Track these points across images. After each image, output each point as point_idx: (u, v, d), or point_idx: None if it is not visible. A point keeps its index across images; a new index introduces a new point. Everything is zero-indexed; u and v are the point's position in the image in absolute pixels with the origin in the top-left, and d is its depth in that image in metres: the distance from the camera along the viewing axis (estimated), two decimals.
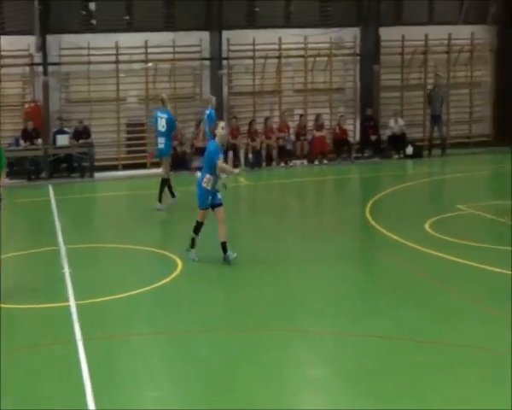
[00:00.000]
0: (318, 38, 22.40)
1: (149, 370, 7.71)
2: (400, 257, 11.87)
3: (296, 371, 7.75)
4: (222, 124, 11.60)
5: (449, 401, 7.00)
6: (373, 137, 22.51)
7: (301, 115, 22.35)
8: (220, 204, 11.37)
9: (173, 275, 10.97)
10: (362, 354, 8.14)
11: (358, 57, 23.26)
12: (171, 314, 9.50)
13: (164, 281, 10.66)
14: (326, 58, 22.89)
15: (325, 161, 21.62)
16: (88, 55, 20.75)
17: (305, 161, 21.80)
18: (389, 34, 22.98)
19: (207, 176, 11.28)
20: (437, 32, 23.59)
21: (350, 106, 23.37)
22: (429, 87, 23.40)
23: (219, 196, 11.42)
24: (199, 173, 11.78)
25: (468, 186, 18.46)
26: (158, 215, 15.34)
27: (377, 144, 22.60)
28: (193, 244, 11.68)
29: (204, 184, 11.26)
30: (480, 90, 24.61)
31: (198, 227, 11.60)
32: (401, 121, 22.93)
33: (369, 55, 22.99)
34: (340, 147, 22.07)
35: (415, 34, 23.26)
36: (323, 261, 11.71)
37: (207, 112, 16.93)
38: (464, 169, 20.33)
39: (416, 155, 22.22)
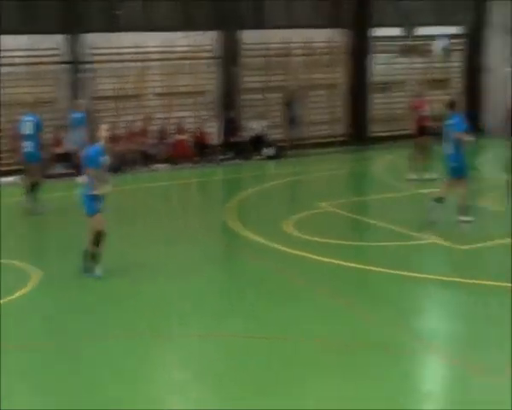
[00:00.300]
0: (181, 41, 22.45)
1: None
2: (263, 257, 12.12)
3: (161, 375, 7.80)
4: (105, 127, 11.38)
5: (317, 396, 7.23)
6: (235, 139, 22.82)
7: (164, 119, 22.35)
8: (98, 211, 11.06)
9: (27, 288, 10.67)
10: (227, 354, 8.28)
11: (220, 60, 23.50)
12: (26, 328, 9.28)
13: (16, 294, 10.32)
14: (188, 61, 22.98)
15: (189, 164, 21.71)
16: None
17: (168, 165, 21.82)
18: (250, 37, 23.37)
19: (91, 179, 10.97)
20: (296, 36, 24.20)
21: (212, 108, 23.57)
22: (289, 89, 23.93)
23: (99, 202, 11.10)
24: (83, 179, 11.40)
25: (326, 185, 19.08)
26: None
27: (239, 146, 22.93)
28: (96, 259, 11.17)
29: (93, 190, 10.91)
30: (337, 91, 25.42)
31: (99, 238, 11.10)
32: (263, 123, 23.37)
33: (231, 57, 23.27)
34: (201, 150, 22.25)
35: (274, 37, 23.77)
36: (189, 265, 11.77)
37: (77, 116, 16.64)
38: (323, 168, 20.99)
39: (277, 155, 22.70)
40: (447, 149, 13.66)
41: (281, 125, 24.15)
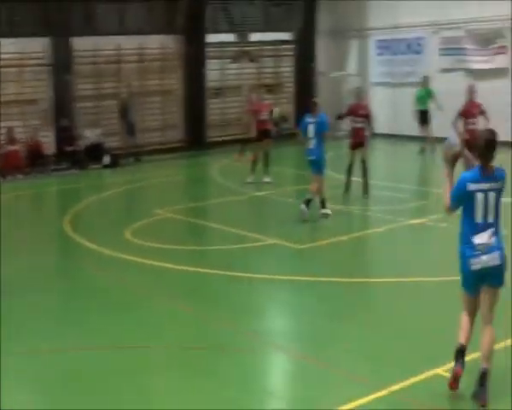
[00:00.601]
0: (7, 47, 21.57)
1: None
2: (104, 267, 11.86)
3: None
4: None
5: (162, 402, 7.18)
6: (69, 148, 22.23)
7: None
8: None
9: None
10: (67, 368, 8.00)
11: (51, 67, 22.80)
12: None
13: None
14: (16, 69, 22.14)
15: (20, 176, 20.87)
16: None
17: None
18: (82, 44, 22.85)
19: None
20: (129, 42, 23.94)
21: (45, 117, 22.81)
22: (123, 96, 23.61)
23: None
24: None
25: (164, 191, 18.98)
26: None
27: (74, 155, 22.35)
28: None
29: None
30: (172, 97, 25.38)
31: None
32: (97, 131, 22.92)
33: (62, 65, 22.65)
34: (34, 160, 21.48)
35: (107, 44, 23.39)
36: (26, 279, 11.30)
37: None
38: (161, 175, 20.88)
39: (114, 164, 22.33)
40: (309, 144, 14.41)
41: (117, 132, 23.80)
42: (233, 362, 8.02)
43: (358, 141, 16.35)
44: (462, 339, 7.14)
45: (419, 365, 7.65)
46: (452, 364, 7.10)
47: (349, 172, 16.41)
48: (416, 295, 10.17)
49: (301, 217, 14.30)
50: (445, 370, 7.45)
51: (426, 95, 23.25)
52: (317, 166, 14.56)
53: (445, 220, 13.85)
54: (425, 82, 23.62)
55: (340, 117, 19.81)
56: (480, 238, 6.94)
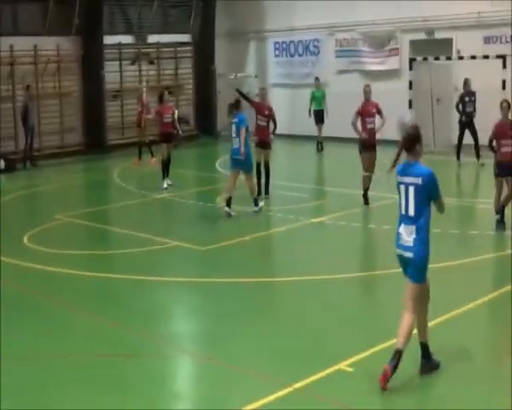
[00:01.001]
0: None
1: None
2: (2, 275, 11.53)
3: None
4: None
5: None
6: None
7: None
8: None
9: None
10: None
11: None
12: None
13: None
14: None
15: None
16: None
17: None
18: None
19: None
20: (23, 43, 23.36)
21: None
22: (20, 99, 22.99)
23: None
24: None
25: (63, 196, 18.61)
26: None
27: None
28: None
29: None
30: (69, 100, 24.92)
31: None
32: None
33: None
34: None
35: (3, 44, 22.74)
36: None
37: None
38: (58, 180, 20.50)
39: (9, 168, 21.74)
40: (233, 143, 14.71)
41: (13, 136, 23.16)
42: (139, 368, 7.94)
43: (263, 139, 16.40)
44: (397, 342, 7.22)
45: (322, 361, 7.79)
46: (353, 359, 7.28)
47: (258, 172, 16.36)
48: (318, 292, 10.35)
49: (228, 216, 14.59)
50: (347, 365, 7.62)
51: (320, 96, 23.93)
52: (243, 164, 14.71)
53: (344, 219, 14.23)
54: (319, 83, 24.45)
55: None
56: (402, 229, 7.18)
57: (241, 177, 15.00)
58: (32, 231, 14.05)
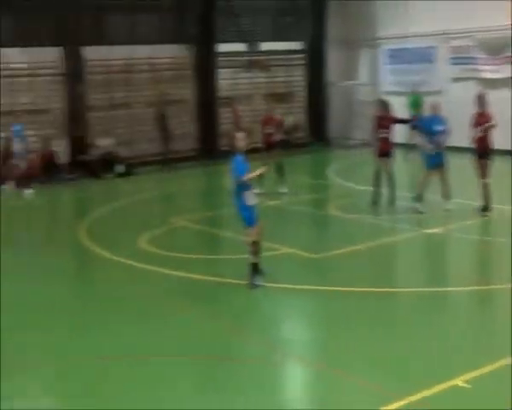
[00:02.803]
0: (18, 57, 21.75)
1: None
2: (119, 275, 11.93)
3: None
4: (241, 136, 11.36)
5: None
6: (83, 158, 22.37)
7: (5, 138, 21.53)
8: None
9: None
10: (77, 375, 8.08)
11: (63, 77, 22.96)
12: None
13: None
14: (27, 78, 22.29)
15: (35, 184, 20.94)
16: None
17: (14, 185, 21.04)
18: (94, 53, 22.99)
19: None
20: (140, 52, 24.08)
21: (57, 127, 22.93)
22: (137, 106, 23.71)
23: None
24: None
25: (179, 200, 19.04)
26: None
27: (88, 164, 22.48)
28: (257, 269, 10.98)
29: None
30: (184, 106, 25.48)
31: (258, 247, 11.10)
32: (110, 140, 23.03)
33: (75, 74, 22.80)
34: (48, 169, 21.59)
35: (119, 53, 23.52)
36: (40, 285, 11.39)
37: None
38: (175, 184, 20.97)
39: (128, 173, 22.43)
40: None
41: (130, 142, 23.84)
42: (250, 373, 8.05)
43: (385, 148, 16.34)
44: None
45: (438, 375, 7.66)
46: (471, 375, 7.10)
47: (377, 181, 16.35)
48: (432, 304, 10.19)
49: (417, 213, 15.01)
50: (464, 381, 7.47)
51: (417, 102, 24.02)
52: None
53: (459, 230, 13.94)
54: (415, 90, 24.71)
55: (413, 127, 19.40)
56: None
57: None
58: (147, 233, 14.44)
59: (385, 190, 16.30)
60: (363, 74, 28.48)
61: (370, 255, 12.94)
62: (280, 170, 18.47)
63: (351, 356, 8.41)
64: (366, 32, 27.95)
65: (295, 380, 8.20)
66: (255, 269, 10.97)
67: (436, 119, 15.71)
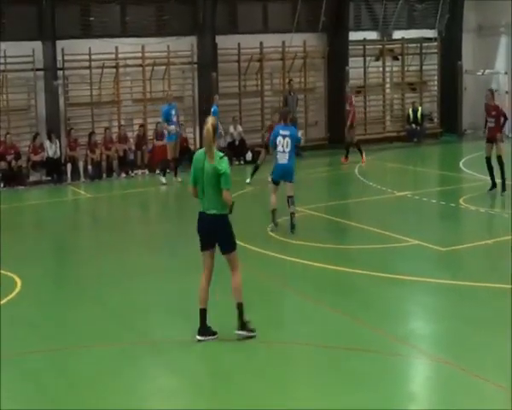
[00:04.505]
0: (155, 46, 22.36)
1: None
2: (246, 262, 12.01)
3: (148, 382, 7.69)
4: None
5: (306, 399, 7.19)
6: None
7: (141, 125, 22.24)
8: None
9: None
10: (212, 361, 8.20)
11: (196, 66, 23.41)
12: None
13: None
14: (164, 67, 22.89)
15: (168, 171, 21.52)
16: None
17: (147, 171, 21.71)
18: (226, 42, 23.31)
19: None
20: (271, 40, 24.20)
21: (190, 114, 23.44)
22: (284, 93, 23.82)
23: None
24: None
25: (303, 189, 18.95)
26: None
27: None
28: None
29: None
30: (314, 95, 25.43)
31: None
32: (240, 128, 23.30)
33: (207, 63, 23.19)
34: (182, 155, 22.05)
35: (250, 42, 23.74)
36: (170, 274, 11.67)
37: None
38: (298, 173, 20.89)
39: (256, 160, 22.55)
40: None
41: (258, 129, 24.02)
42: (372, 364, 7.94)
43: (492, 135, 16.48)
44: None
45: None
46: None
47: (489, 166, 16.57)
48: None
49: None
50: None
51: None
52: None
53: None
54: None
55: None
56: None
57: None
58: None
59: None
60: (500, 63, 27.42)
61: (499, 250, 12.41)
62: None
63: (476, 354, 8.13)
64: (504, 18, 26.87)
65: (419, 374, 8.00)
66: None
67: None
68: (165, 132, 20.29)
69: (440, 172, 21.64)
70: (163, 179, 19.66)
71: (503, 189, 16.28)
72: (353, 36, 25.61)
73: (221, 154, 8.56)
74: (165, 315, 9.70)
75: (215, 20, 23.19)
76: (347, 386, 7.45)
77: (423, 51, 27.38)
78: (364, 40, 26.05)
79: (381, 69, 26.69)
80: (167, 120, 19.80)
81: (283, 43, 24.39)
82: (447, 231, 13.96)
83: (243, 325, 8.52)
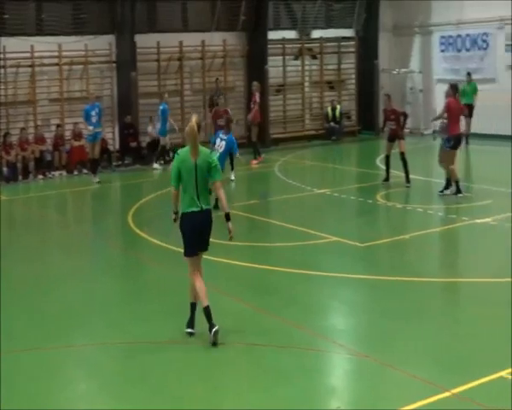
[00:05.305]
0: (73, 45, 22.01)
1: None
2: (165, 262, 12.00)
3: (67, 388, 7.58)
4: None
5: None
6: (133, 144, 22.57)
7: (58, 125, 21.86)
8: None
9: None
10: (124, 362, 8.15)
11: (115, 65, 23.16)
12: None
13: None
14: (81, 66, 22.57)
15: (85, 171, 21.27)
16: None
17: (64, 172, 21.37)
18: (145, 41, 23.12)
19: None
20: (191, 39, 24.15)
21: (108, 114, 23.15)
22: (211, 92, 23.79)
23: None
24: None
25: (225, 188, 18.97)
26: None
27: (137, 151, 22.68)
28: None
29: None
30: (233, 94, 25.49)
31: None
32: (158, 126, 23.12)
33: (126, 62, 22.96)
34: (101, 156, 21.77)
35: (170, 41, 23.62)
36: (89, 275, 11.55)
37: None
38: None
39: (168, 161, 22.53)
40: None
41: (181, 128, 23.89)
42: (293, 359, 8.02)
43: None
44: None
45: (483, 367, 7.54)
46: None
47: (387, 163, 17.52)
48: (480, 295, 10.00)
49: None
50: (508, 373, 7.32)
51: (471, 90, 23.81)
52: None
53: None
54: (470, 78, 24.25)
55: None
56: None
57: None
58: None
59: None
60: (415, 62, 28.08)
61: (416, 245, 12.79)
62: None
63: (394, 347, 8.32)
64: (419, 19, 27.56)
65: (339, 369, 8.12)
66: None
67: None
68: (85, 133, 20.08)
69: (358, 169, 22.02)
70: (95, 179, 19.49)
71: (408, 181, 17.06)
72: (272, 35, 25.81)
73: (207, 149, 8.66)
74: (88, 318, 9.56)
75: (134, 18, 22.97)
76: (268, 382, 7.50)
77: (341, 50, 27.82)
78: (283, 39, 26.28)
79: (300, 68, 26.98)
80: (87, 120, 19.59)
81: (203, 42, 24.37)
82: (365, 227, 14.24)
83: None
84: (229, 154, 16.25)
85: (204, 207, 8.54)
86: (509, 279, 10.40)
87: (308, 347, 8.32)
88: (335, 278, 10.87)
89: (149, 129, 23.03)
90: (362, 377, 7.70)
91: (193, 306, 8.72)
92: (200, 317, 8.71)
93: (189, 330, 8.62)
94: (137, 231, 14.02)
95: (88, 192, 19.32)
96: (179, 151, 8.69)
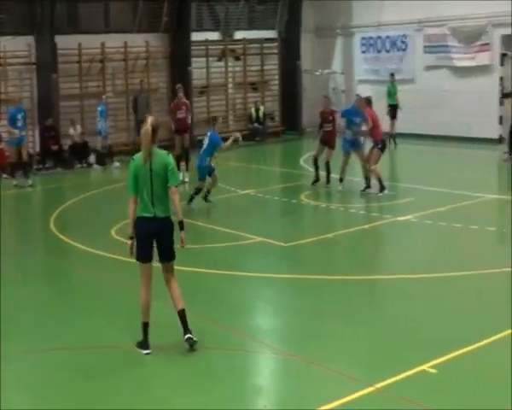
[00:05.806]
0: None
1: None
2: (88, 266, 11.85)
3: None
4: None
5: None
6: (54, 148, 22.17)
7: None
8: None
9: None
10: (50, 369, 8.01)
11: (34, 66, 22.71)
12: None
13: None
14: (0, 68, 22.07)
15: (4, 175, 20.75)
16: None
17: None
18: (66, 42, 22.75)
19: None
20: (113, 41, 23.89)
21: (28, 117, 22.62)
22: (135, 94, 23.56)
23: None
24: None
25: None
26: None
27: (59, 154, 22.30)
28: None
29: None
30: (157, 96, 25.31)
31: None
32: (79, 128, 22.81)
33: (46, 63, 22.54)
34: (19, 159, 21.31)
35: (92, 42, 23.31)
36: (9, 282, 11.27)
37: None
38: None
39: (100, 162, 22.25)
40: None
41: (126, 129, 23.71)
42: (223, 361, 8.05)
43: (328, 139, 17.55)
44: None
45: (406, 362, 7.70)
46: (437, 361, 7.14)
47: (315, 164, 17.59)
48: (402, 291, 10.21)
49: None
50: (430, 366, 7.51)
51: (394, 91, 24.16)
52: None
53: (430, 217, 14.00)
54: (393, 78, 24.53)
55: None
56: None
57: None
58: (119, 224, 14.30)
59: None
60: (337, 63, 28.48)
61: (340, 243, 13.01)
62: (186, 156, 18.76)
63: (321, 345, 8.40)
64: (341, 21, 27.97)
65: (266, 369, 8.16)
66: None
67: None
68: (5, 136, 19.68)
69: (282, 169, 22.19)
70: (28, 182, 19.17)
71: (328, 181, 17.28)
72: (195, 36, 25.77)
73: (165, 151, 8.36)
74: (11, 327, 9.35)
75: (54, 19, 22.58)
76: (194, 385, 7.48)
77: (264, 51, 27.98)
78: (206, 41, 26.26)
79: (223, 69, 27.01)
80: (13, 123, 19.18)
81: (125, 43, 24.14)
82: (290, 227, 14.36)
83: (189, 329, 8.30)
84: (213, 151, 15.69)
85: (158, 214, 8.23)
86: (429, 275, 10.67)
87: (234, 347, 8.34)
88: (261, 278, 10.93)
89: (71, 131, 22.69)
90: (289, 376, 7.76)
91: (145, 325, 8.32)
92: (123, 319, 8.60)
93: (146, 351, 8.27)
94: (60, 235, 13.79)
95: (7, 197, 18.85)
96: (134, 156, 8.36)
